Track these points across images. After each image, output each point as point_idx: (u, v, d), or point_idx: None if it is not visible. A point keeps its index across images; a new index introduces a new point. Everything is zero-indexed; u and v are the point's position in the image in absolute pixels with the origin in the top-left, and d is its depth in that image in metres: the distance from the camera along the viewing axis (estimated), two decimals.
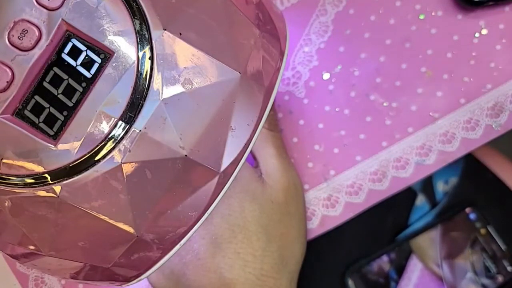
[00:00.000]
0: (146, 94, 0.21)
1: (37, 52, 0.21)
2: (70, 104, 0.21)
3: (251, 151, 0.32)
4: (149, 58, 0.21)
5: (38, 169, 0.21)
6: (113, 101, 0.21)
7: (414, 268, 0.40)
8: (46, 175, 0.21)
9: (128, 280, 0.25)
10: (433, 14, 0.37)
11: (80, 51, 0.21)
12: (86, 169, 0.21)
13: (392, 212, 0.42)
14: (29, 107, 0.21)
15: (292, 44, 0.37)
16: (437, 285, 0.40)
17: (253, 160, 0.33)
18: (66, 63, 0.21)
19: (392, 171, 0.36)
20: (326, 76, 0.37)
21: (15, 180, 0.22)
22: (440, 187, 0.42)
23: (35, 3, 0.21)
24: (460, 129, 0.36)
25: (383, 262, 0.40)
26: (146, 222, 0.23)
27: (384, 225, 0.42)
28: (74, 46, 0.21)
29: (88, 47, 0.21)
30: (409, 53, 0.37)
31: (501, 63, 0.36)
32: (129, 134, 0.21)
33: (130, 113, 0.21)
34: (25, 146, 0.21)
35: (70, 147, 0.21)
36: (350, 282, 0.40)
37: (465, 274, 0.40)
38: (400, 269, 0.40)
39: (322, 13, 0.37)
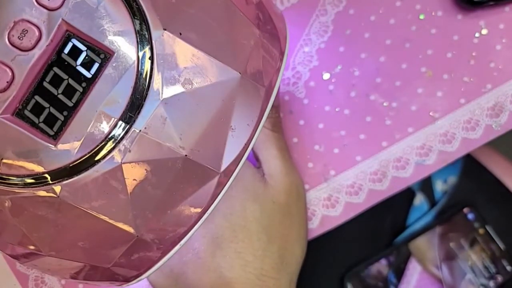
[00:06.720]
0: (146, 94, 0.21)
1: (37, 52, 0.21)
2: (70, 104, 0.21)
3: (254, 152, 0.32)
4: (149, 58, 0.21)
5: (38, 169, 0.21)
6: (113, 101, 0.21)
7: (413, 271, 0.40)
8: (46, 175, 0.21)
9: (128, 280, 0.25)
10: (433, 14, 0.37)
11: (80, 51, 0.21)
12: (86, 169, 0.21)
13: (390, 212, 0.42)
14: (29, 107, 0.21)
15: (292, 44, 0.37)
16: (436, 287, 0.40)
17: (255, 160, 0.33)
18: (66, 63, 0.21)
19: (392, 171, 0.36)
20: (326, 76, 0.37)
21: (15, 180, 0.22)
22: (439, 186, 0.42)
23: (35, 3, 0.21)
24: (460, 129, 0.36)
25: (382, 266, 0.40)
26: (146, 222, 0.23)
27: (382, 225, 0.42)
28: (74, 46, 0.21)
29: (88, 47, 0.21)
30: (409, 53, 0.37)
31: (501, 63, 0.36)
32: (129, 134, 0.21)
33: (130, 113, 0.21)
34: (25, 146, 0.21)
35: (70, 147, 0.21)
36: (350, 287, 0.40)
37: (464, 275, 0.40)
38: (399, 272, 0.40)
39: (322, 13, 0.37)
